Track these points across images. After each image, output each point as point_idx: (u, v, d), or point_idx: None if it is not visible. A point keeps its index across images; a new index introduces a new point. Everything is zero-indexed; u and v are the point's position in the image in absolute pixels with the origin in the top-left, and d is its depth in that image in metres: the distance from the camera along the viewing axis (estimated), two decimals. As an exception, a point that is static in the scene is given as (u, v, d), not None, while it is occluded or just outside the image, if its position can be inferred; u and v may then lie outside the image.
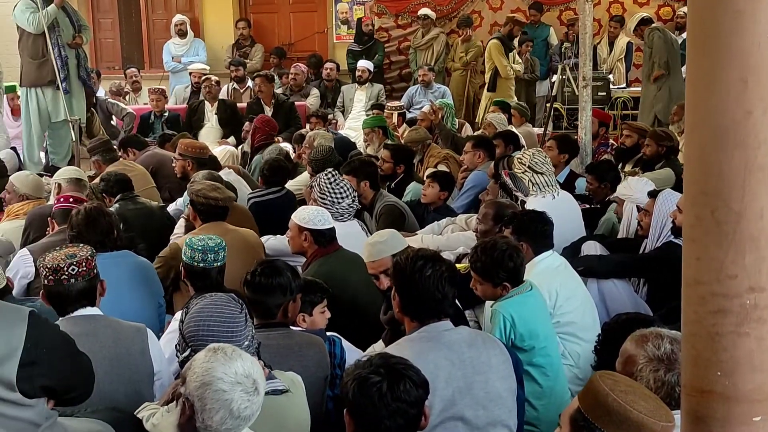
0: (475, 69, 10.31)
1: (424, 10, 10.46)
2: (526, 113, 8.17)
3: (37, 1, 7.11)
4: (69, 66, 7.30)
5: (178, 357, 2.48)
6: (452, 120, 7.85)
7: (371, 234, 4.38)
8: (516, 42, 9.57)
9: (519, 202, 4.56)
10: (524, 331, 3.13)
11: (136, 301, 3.60)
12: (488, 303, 3.37)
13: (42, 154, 7.64)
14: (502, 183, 4.83)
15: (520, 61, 9.56)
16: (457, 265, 3.61)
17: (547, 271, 3.55)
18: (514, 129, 7.09)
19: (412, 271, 2.62)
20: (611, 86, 9.05)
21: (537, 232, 3.59)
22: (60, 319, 2.80)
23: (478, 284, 3.25)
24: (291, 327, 2.98)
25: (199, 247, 3.25)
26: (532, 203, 4.31)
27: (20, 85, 7.43)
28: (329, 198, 4.41)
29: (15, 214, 5.04)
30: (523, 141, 6.58)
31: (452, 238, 4.63)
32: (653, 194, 4.21)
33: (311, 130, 7.60)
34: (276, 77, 10.04)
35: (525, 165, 4.54)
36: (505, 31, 9.46)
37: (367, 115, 8.83)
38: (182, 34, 10.99)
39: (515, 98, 9.36)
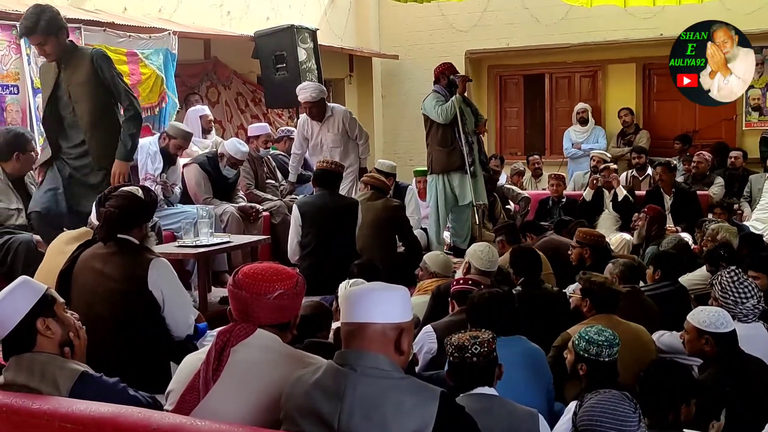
0: None
1: None
2: None
3: (445, 93, 7.72)
4: (474, 152, 7.82)
5: (569, 447, 2.55)
6: None
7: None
8: None
9: None
10: None
11: (524, 385, 3.69)
12: None
13: (446, 235, 8.22)
14: None
15: None
16: None
17: None
18: None
19: None
20: None
21: None
22: (460, 395, 3.03)
23: None
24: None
25: (599, 340, 3.30)
26: None
27: (430, 173, 7.98)
28: (731, 297, 4.18)
29: (425, 289, 5.45)
30: None
31: None
32: None
33: (714, 221, 7.28)
34: (679, 165, 9.83)
35: None
36: None
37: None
38: (583, 122, 11.32)
39: None
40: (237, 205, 7.14)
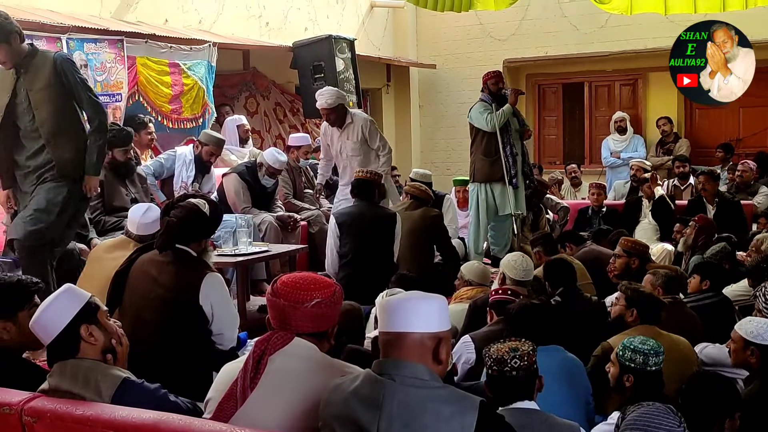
0: None
1: None
2: None
3: (492, 103, 7.75)
4: (518, 163, 7.80)
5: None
6: None
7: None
8: None
9: None
10: None
11: (560, 395, 3.64)
12: None
13: (485, 245, 8.18)
14: None
15: None
16: None
17: None
18: None
19: None
20: None
21: None
22: (500, 408, 2.99)
23: None
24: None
25: (645, 349, 3.23)
26: None
27: (472, 181, 7.98)
28: (777, 309, 4.12)
29: (461, 297, 5.44)
30: None
31: None
32: None
33: (759, 231, 7.16)
34: (722, 173, 9.70)
35: None
36: None
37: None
38: (621, 131, 11.21)
39: None
40: (275, 214, 7.18)
